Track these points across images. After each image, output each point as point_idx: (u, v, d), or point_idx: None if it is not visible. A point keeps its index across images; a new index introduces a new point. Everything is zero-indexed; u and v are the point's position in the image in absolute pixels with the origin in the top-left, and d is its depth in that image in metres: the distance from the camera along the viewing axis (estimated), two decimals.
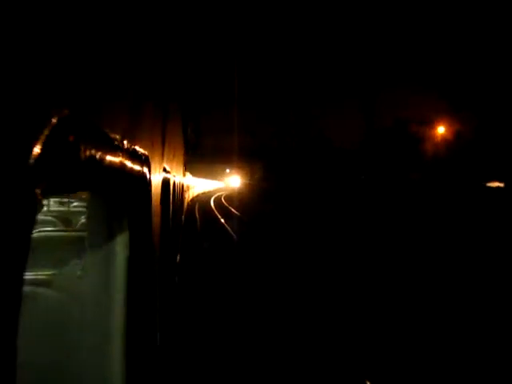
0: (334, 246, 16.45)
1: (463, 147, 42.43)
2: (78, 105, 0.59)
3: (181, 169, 8.96)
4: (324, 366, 6.11)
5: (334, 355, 6.41)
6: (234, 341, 6.78)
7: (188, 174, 23.42)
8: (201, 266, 12.13)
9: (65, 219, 6.69)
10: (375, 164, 52.06)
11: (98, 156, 0.66)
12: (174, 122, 4.61)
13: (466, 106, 43.00)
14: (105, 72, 0.82)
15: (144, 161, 1.36)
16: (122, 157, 0.92)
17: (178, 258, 7.07)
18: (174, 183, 4.63)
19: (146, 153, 1.44)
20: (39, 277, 2.44)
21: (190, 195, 32.63)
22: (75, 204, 9.40)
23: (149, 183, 1.53)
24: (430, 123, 46.15)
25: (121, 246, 1.45)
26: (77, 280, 2.04)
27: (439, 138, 44.98)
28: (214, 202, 45.67)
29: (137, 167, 1.23)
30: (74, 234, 4.60)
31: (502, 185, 37.11)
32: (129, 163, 1.05)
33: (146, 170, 1.43)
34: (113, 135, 0.80)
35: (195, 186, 49.09)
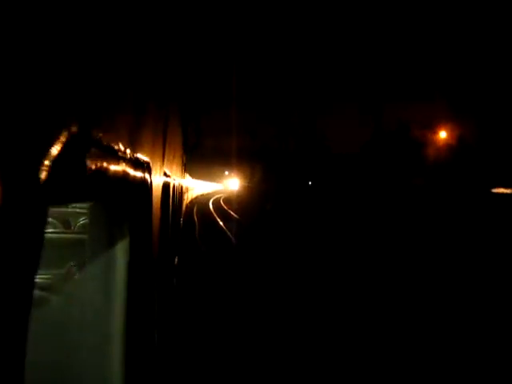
0: (331, 254, 16.45)
1: (467, 152, 41.98)
2: (84, 120, 0.61)
3: (180, 171, 8.97)
4: (318, 369, 6.12)
5: (328, 360, 6.42)
6: (232, 342, 6.79)
7: (187, 175, 23.41)
8: (198, 269, 12.14)
9: (64, 220, 6.70)
10: (377, 169, 51.74)
11: (103, 168, 0.68)
12: (174, 124, 4.63)
13: (468, 110, 42.78)
14: (108, 83, 0.84)
15: (145, 167, 1.39)
16: (125, 166, 0.94)
17: (176, 260, 7.09)
18: (174, 186, 4.65)
19: (148, 159, 1.47)
20: (38, 279, 2.45)
21: (188, 197, 32.60)
22: (74, 204, 9.40)
23: (150, 189, 1.56)
24: (433, 128, 45.91)
25: (121, 251, 1.47)
26: (75, 282, 2.06)
27: (442, 143, 44.70)
28: (213, 204, 45.65)
29: (138, 174, 1.25)
30: (73, 235, 4.62)
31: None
32: (131, 171, 1.07)
33: (147, 176, 1.45)
34: (116, 146, 0.82)
35: (194, 188, 49.04)
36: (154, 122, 1.84)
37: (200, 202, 46.44)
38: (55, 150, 0.50)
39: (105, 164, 0.71)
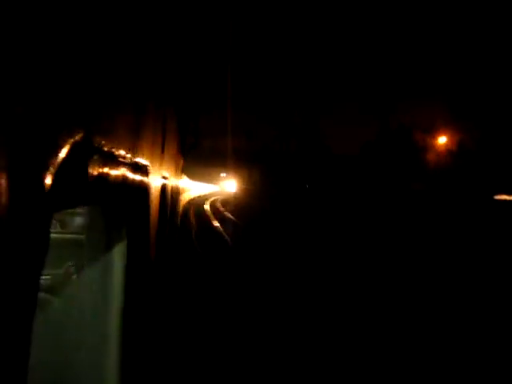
0: (329, 257, 16.46)
1: (468, 157, 41.52)
2: (87, 128, 0.63)
3: (177, 172, 8.97)
4: (314, 369, 6.14)
5: (324, 362, 6.44)
6: (228, 343, 6.79)
7: (184, 176, 23.36)
8: (195, 271, 12.13)
9: (60, 220, 6.71)
10: (377, 171, 51.33)
11: (104, 174, 0.70)
12: (172, 126, 4.64)
13: (470, 115, 42.53)
14: (109, 91, 0.86)
15: (144, 171, 1.40)
16: (125, 170, 0.96)
17: (173, 260, 7.09)
18: (171, 188, 4.66)
19: (147, 162, 1.48)
20: None
21: (185, 198, 32.54)
22: None
23: (148, 191, 1.57)
24: (434, 132, 45.55)
25: (119, 253, 1.48)
26: (73, 283, 2.07)
27: (443, 148, 44.36)
28: (210, 206, 45.59)
29: (138, 177, 1.27)
30: (69, 235, 4.61)
31: (510, 198, 35.45)
32: (131, 175, 1.09)
33: (145, 179, 1.47)
34: (117, 152, 0.84)
35: (191, 189, 48.95)
36: (152, 126, 1.85)
37: (197, 204, 46.37)
38: (59, 158, 0.51)
39: (106, 170, 0.73)
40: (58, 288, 2.11)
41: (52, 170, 0.51)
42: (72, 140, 0.56)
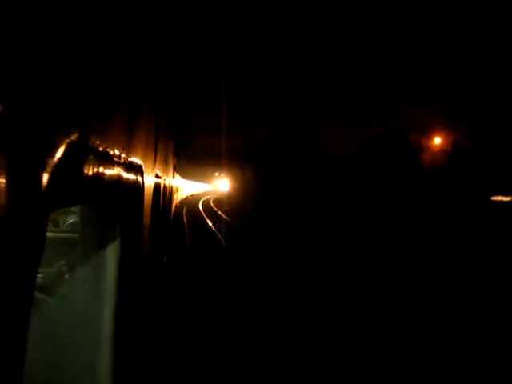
0: (320, 256, 16.50)
1: (464, 158, 41.32)
2: (82, 129, 0.64)
3: (171, 171, 8.96)
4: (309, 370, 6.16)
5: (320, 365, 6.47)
6: (219, 342, 6.80)
7: (177, 175, 23.32)
8: (187, 269, 12.13)
9: (53, 219, 6.66)
10: (372, 172, 51.11)
11: (99, 173, 0.71)
12: (165, 125, 4.64)
13: (466, 116, 42.44)
14: (103, 91, 0.86)
15: (138, 170, 1.41)
16: (120, 170, 0.97)
17: (165, 259, 7.09)
18: (164, 186, 4.66)
19: (140, 162, 1.49)
20: None
21: (178, 198, 32.50)
22: None
23: (141, 190, 1.58)
24: (430, 133, 45.43)
25: (112, 251, 1.49)
26: (66, 281, 2.07)
27: (439, 148, 44.23)
28: (203, 205, 45.56)
29: (131, 177, 1.28)
30: (61, 234, 4.61)
31: (507, 199, 34.66)
32: (125, 174, 1.10)
33: (139, 178, 1.47)
34: (112, 152, 0.85)
35: (184, 188, 48.91)
36: (146, 125, 1.86)
37: (190, 203, 46.31)
38: (56, 158, 0.52)
39: (101, 169, 0.74)
40: (51, 287, 2.11)
41: (48, 169, 0.51)
42: (68, 140, 0.57)
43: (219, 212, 35.52)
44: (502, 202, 35.38)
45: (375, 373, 6.17)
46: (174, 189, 14.61)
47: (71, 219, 5.79)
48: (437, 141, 44.46)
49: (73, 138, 0.58)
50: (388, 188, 45.97)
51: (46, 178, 0.50)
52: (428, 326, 8.16)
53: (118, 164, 0.95)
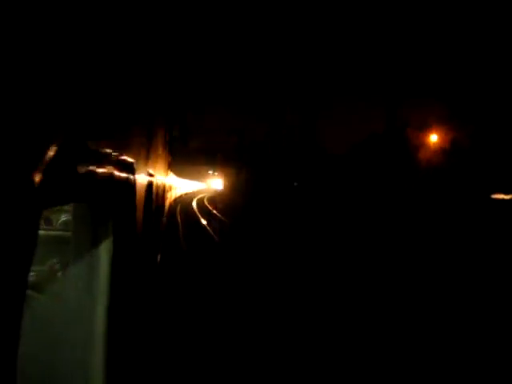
0: (313, 254, 16.51)
1: (463, 156, 40.92)
2: (75, 127, 0.65)
3: (164, 169, 8.95)
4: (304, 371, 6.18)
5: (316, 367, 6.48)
6: (213, 341, 6.81)
7: (171, 173, 23.25)
8: (181, 268, 12.12)
9: (45, 217, 6.65)
10: (371, 170, 50.71)
11: (92, 172, 0.72)
12: (159, 123, 4.64)
13: (465, 113, 42.11)
14: (97, 91, 0.87)
15: (130, 168, 1.42)
16: (112, 168, 0.97)
17: (159, 257, 7.08)
18: (158, 185, 4.66)
19: (133, 160, 1.50)
20: None
21: (172, 196, 32.44)
22: None
23: (134, 188, 1.59)
24: (428, 130, 45.04)
25: (105, 249, 1.50)
26: (58, 279, 2.07)
27: (437, 146, 43.81)
28: (197, 204, 45.52)
29: (123, 175, 1.28)
30: (54, 232, 4.59)
31: (508, 197, 34.32)
32: (117, 172, 1.11)
33: (131, 176, 1.48)
34: (103, 150, 0.86)
35: (178, 186, 48.83)
36: (139, 124, 1.87)
37: (184, 201, 46.23)
38: (48, 157, 0.53)
39: (93, 168, 0.75)
40: (44, 285, 2.11)
41: (41, 168, 0.52)
42: (61, 139, 0.58)
43: (213, 210, 35.45)
44: (503, 200, 35.03)
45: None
46: (167, 187, 14.57)
47: (64, 217, 5.77)
48: (436, 138, 44.06)
49: (65, 137, 0.59)
50: (384, 185, 45.67)
51: (38, 176, 0.51)
52: (428, 326, 8.18)
53: (111, 162, 0.96)
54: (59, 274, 2.87)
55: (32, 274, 2.41)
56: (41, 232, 2.73)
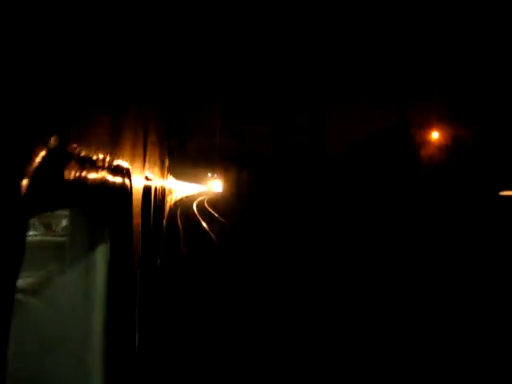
0: (314, 257, 16.48)
1: (470, 153, 40.52)
2: (62, 134, 0.65)
3: (163, 173, 8.95)
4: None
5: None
6: (213, 344, 6.80)
7: (171, 176, 23.28)
8: (181, 273, 12.11)
9: (46, 222, 6.65)
10: (372, 170, 50.30)
11: (81, 178, 0.72)
12: (157, 127, 4.64)
13: (469, 109, 41.81)
14: (85, 96, 0.87)
15: (125, 174, 1.42)
16: (104, 173, 0.97)
17: (159, 261, 7.08)
18: (156, 189, 4.66)
19: (127, 165, 1.50)
20: (19, 284, 2.45)
21: (172, 199, 32.42)
22: None
23: (129, 194, 1.58)
24: (432, 127, 44.70)
25: (101, 254, 1.50)
26: (57, 285, 2.07)
27: (442, 144, 43.40)
28: (197, 207, 45.50)
29: (118, 180, 1.28)
30: (54, 238, 4.59)
31: None
32: (110, 178, 1.11)
33: (126, 181, 1.48)
34: (95, 156, 0.86)
35: (178, 189, 48.83)
36: (133, 128, 1.86)
37: (184, 205, 46.21)
38: (35, 164, 0.53)
39: (83, 174, 0.75)
40: (41, 290, 2.11)
41: (27, 175, 0.53)
42: (47, 147, 0.58)
43: (213, 213, 35.40)
44: (511, 197, 34.49)
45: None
46: (167, 191, 14.57)
47: (65, 222, 5.78)
48: (441, 136, 43.70)
49: (52, 144, 0.59)
50: (389, 185, 45.23)
51: (24, 183, 0.51)
52: (432, 324, 8.15)
53: (102, 168, 0.96)
54: (58, 279, 2.87)
55: (30, 279, 2.42)
56: (39, 238, 2.73)
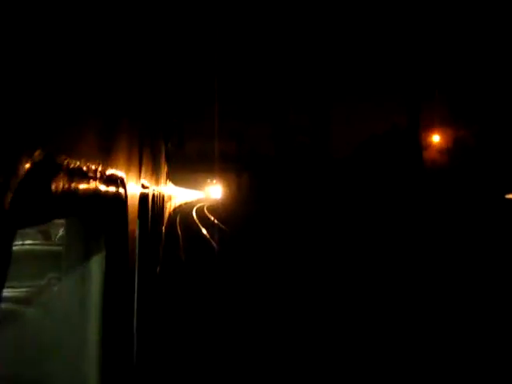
0: (316, 264, 16.45)
1: (475, 156, 40.27)
2: (49, 146, 0.65)
3: (161, 179, 8.95)
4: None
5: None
6: (212, 352, 6.78)
7: (169, 183, 23.24)
8: (181, 280, 12.09)
9: (44, 231, 6.64)
10: (374, 172, 49.93)
11: (71, 190, 0.72)
12: (153, 133, 4.63)
13: (473, 112, 41.64)
14: (74, 104, 0.87)
15: (119, 183, 1.42)
16: (97, 184, 0.97)
17: (158, 270, 7.07)
18: (154, 196, 4.66)
19: (122, 174, 1.50)
20: (16, 294, 2.45)
21: (171, 206, 32.38)
22: None
23: (125, 203, 1.58)
24: (431, 129, 44.52)
25: (97, 264, 1.50)
26: (53, 295, 2.07)
27: (445, 147, 43.16)
28: (196, 212, 45.46)
29: (112, 189, 1.28)
30: (53, 247, 4.59)
31: None
32: (103, 188, 1.11)
33: (121, 190, 1.48)
34: (86, 166, 0.86)
35: (177, 196, 48.80)
36: (128, 135, 1.86)
37: (183, 211, 46.14)
38: (19, 177, 0.53)
39: (74, 185, 0.75)
40: (39, 300, 2.10)
41: (13, 187, 0.52)
42: (33, 159, 0.58)
43: (213, 219, 35.32)
44: None
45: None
46: (165, 197, 14.55)
47: (62, 232, 5.78)
48: (444, 139, 43.50)
49: (38, 156, 0.59)
50: (393, 188, 44.88)
51: (9, 196, 0.51)
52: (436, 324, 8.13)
53: (95, 178, 0.95)
54: (56, 288, 2.86)
55: (29, 289, 2.41)
56: (39, 247, 2.73)
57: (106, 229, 1.48)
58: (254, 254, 16.84)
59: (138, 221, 2.38)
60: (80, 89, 0.89)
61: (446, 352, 6.92)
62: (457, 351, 6.96)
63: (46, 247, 4.64)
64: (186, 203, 73.37)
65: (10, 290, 2.48)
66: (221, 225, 29.54)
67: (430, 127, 45.35)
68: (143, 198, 2.73)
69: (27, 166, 0.55)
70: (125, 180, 1.51)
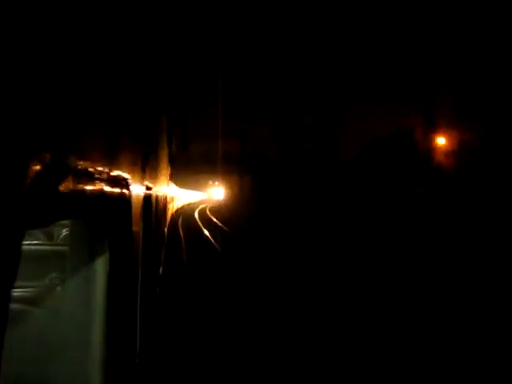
0: (318, 266, 16.40)
1: (477, 159, 39.85)
2: (58, 149, 0.66)
3: (164, 181, 8.96)
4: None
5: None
6: (214, 355, 6.78)
7: (172, 184, 23.25)
8: (183, 282, 12.08)
9: (47, 232, 6.66)
10: (376, 175, 49.46)
11: (79, 191, 0.73)
12: (157, 135, 4.65)
13: (476, 115, 41.32)
14: (82, 109, 0.88)
15: (124, 184, 1.43)
16: (103, 185, 0.99)
17: (160, 271, 7.08)
18: (157, 197, 4.67)
19: (126, 175, 1.51)
20: (20, 294, 2.46)
21: (174, 207, 32.37)
22: None
23: (129, 204, 1.60)
24: (435, 132, 44.14)
25: (101, 264, 1.51)
26: (57, 295, 2.08)
27: (450, 149, 42.77)
28: (199, 214, 45.44)
29: (117, 191, 1.30)
30: (56, 247, 4.60)
31: None
32: (109, 189, 1.12)
33: (125, 191, 1.49)
34: (92, 168, 0.87)
35: (180, 197, 48.79)
36: (132, 138, 1.88)
37: (186, 213, 46.11)
38: (30, 179, 0.55)
39: (80, 187, 0.76)
40: (43, 300, 2.12)
41: (23, 188, 0.54)
42: (43, 161, 0.59)
43: (216, 221, 35.26)
44: None
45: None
46: (168, 199, 14.57)
47: (65, 232, 5.79)
48: (449, 141, 43.12)
49: (48, 159, 0.61)
50: (396, 191, 44.42)
51: (19, 198, 0.53)
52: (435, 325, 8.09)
53: (101, 180, 0.97)
54: (59, 289, 2.88)
55: (33, 289, 2.42)
56: (43, 247, 2.75)
57: (110, 230, 1.49)
58: (256, 256, 16.81)
59: (141, 222, 2.40)
60: (87, 94, 0.90)
61: (445, 352, 6.90)
62: (456, 351, 6.95)
63: (49, 247, 4.66)
64: (188, 204, 73.33)
65: (13, 289, 2.49)
66: (224, 227, 29.49)
67: (437, 130, 45.10)
68: (147, 199, 2.74)
69: (37, 168, 0.56)
70: (129, 182, 1.53)
